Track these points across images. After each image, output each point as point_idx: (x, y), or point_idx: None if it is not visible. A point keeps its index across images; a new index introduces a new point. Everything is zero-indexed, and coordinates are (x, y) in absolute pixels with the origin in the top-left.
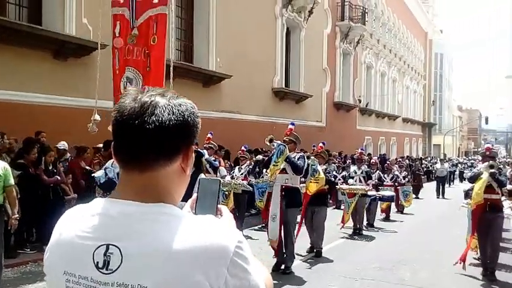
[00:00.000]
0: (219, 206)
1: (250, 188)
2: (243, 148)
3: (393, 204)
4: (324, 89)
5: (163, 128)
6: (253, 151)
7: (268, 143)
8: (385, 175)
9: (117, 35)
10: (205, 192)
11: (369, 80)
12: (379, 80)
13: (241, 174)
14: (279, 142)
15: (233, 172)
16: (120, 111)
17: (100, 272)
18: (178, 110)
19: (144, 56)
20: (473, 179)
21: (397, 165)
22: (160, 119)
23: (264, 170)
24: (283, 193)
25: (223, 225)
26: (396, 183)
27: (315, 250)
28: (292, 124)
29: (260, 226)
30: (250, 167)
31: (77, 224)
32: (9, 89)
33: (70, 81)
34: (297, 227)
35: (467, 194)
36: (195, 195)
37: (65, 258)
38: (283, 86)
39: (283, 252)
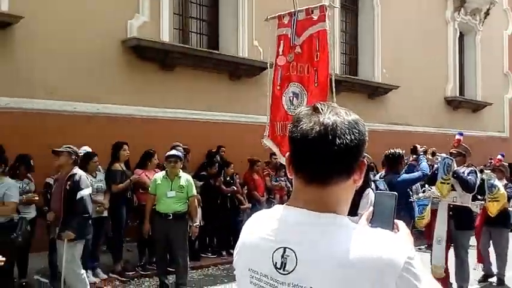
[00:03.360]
0: (395, 220)
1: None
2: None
3: None
4: (506, 95)
5: (348, 149)
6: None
7: (430, 157)
8: None
9: (280, 53)
10: (381, 206)
11: None
12: None
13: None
14: (443, 155)
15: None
16: (303, 134)
17: (278, 271)
18: (357, 130)
19: (308, 72)
20: None
21: None
22: (345, 142)
23: (426, 186)
24: (450, 213)
25: (396, 239)
26: None
27: (490, 279)
28: (460, 134)
29: (425, 246)
30: None
31: (260, 227)
32: (193, 109)
33: (243, 100)
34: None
35: None
36: (371, 208)
37: (250, 257)
38: (457, 95)
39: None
